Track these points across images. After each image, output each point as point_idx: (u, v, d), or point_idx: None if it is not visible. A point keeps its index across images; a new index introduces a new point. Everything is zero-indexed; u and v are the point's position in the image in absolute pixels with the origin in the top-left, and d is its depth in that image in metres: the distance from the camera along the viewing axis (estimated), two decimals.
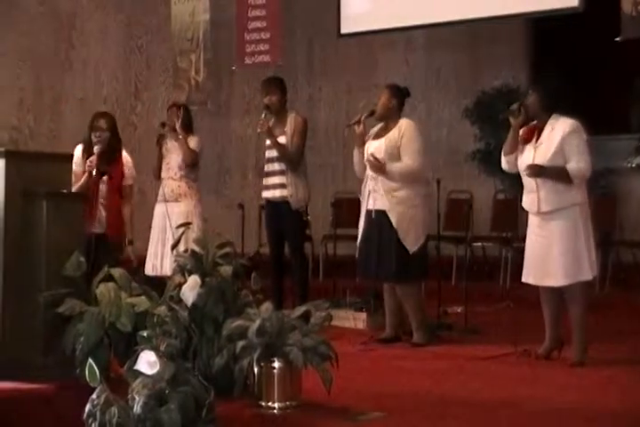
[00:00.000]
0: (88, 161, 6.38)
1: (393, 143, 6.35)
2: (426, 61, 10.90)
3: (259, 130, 7.12)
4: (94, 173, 6.35)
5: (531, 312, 6.37)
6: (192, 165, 7.24)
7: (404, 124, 6.44)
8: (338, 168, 11.07)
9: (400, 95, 6.57)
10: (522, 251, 5.98)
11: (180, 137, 7.17)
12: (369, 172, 6.42)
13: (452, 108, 10.43)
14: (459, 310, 7.38)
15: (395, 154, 6.33)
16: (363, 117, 6.56)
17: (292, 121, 7.15)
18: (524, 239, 5.95)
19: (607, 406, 4.60)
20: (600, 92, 8.86)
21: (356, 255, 6.64)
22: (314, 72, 11.65)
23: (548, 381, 5.26)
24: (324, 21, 10.65)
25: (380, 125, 6.58)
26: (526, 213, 5.93)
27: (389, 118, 6.50)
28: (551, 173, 5.61)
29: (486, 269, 9.43)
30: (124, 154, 6.71)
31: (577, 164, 5.59)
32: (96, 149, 6.43)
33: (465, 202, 9.12)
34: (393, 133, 6.40)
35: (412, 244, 6.33)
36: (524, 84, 9.81)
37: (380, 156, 6.32)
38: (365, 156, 6.43)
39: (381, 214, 6.35)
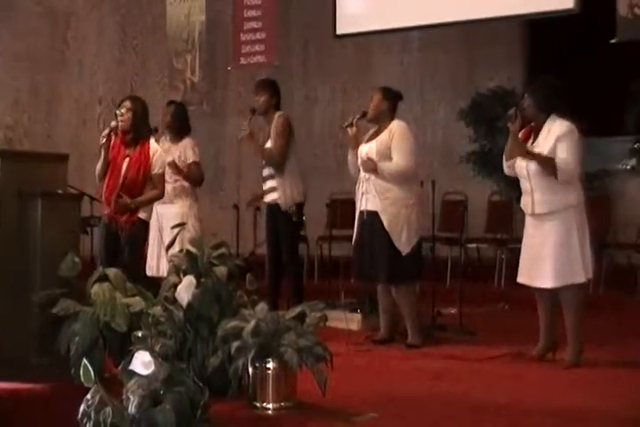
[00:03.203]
0: (103, 134, 6.35)
1: (384, 144, 6.36)
2: (421, 62, 10.92)
3: (240, 136, 7.09)
4: (104, 137, 6.30)
5: (525, 314, 6.39)
6: (200, 181, 7.32)
7: (394, 125, 6.45)
8: (333, 169, 11.07)
9: (392, 98, 6.56)
10: (516, 252, 5.99)
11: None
12: (362, 173, 6.44)
13: (446, 109, 10.44)
14: (453, 312, 7.37)
15: (386, 155, 6.33)
16: (355, 120, 6.56)
17: (275, 122, 7.14)
18: (518, 241, 5.95)
19: (602, 408, 4.60)
20: (595, 94, 8.87)
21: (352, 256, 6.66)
22: (309, 73, 11.66)
23: (543, 382, 5.26)
24: (320, 22, 10.66)
25: (374, 128, 6.59)
26: (521, 214, 5.95)
27: (381, 121, 6.50)
28: (540, 158, 5.59)
29: (481, 270, 9.44)
30: (153, 143, 6.51)
31: (564, 158, 5.56)
32: (113, 123, 6.38)
33: (460, 203, 9.13)
34: (384, 135, 6.41)
35: (404, 245, 6.33)
36: (520, 86, 9.84)
37: (372, 157, 6.34)
38: (359, 158, 6.46)
39: (373, 215, 6.35)
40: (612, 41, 8.04)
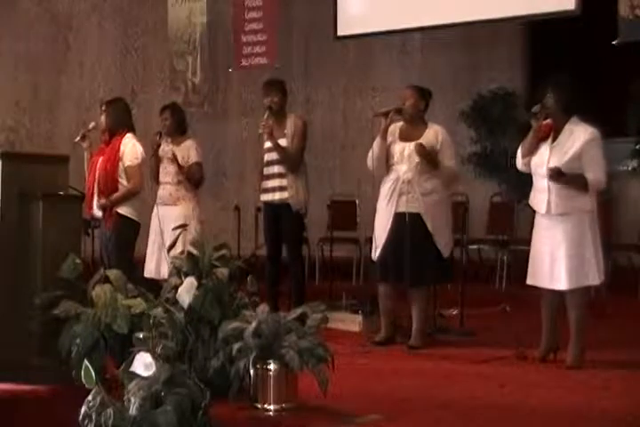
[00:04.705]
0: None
1: (430, 146, 6.36)
2: (422, 64, 10.91)
3: (260, 131, 7.12)
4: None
5: (526, 315, 6.37)
6: (200, 181, 7.30)
7: (439, 130, 6.48)
8: (334, 170, 11.08)
9: (426, 97, 6.60)
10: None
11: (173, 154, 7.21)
12: (401, 174, 6.34)
13: (448, 110, 10.41)
14: (454, 313, 7.37)
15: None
16: (391, 114, 6.45)
17: (292, 124, 7.16)
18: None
19: (603, 410, 4.60)
20: (597, 95, 8.86)
21: (376, 257, 6.47)
22: (310, 74, 11.66)
23: (545, 383, 5.26)
24: (321, 23, 10.66)
25: (400, 124, 6.52)
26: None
27: (416, 120, 6.51)
28: (570, 180, 5.58)
29: (482, 271, 9.44)
30: (127, 138, 6.65)
31: (596, 174, 5.58)
32: (92, 124, 6.84)
33: (461, 204, 9.10)
34: (429, 137, 6.41)
35: (446, 247, 6.38)
36: (521, 87, 9.85)
37: (414, 157, 6.31)
38: (396, 157, 6.38)
39: (416, 217, 6.31)
40: (614, 42, 8.04)
